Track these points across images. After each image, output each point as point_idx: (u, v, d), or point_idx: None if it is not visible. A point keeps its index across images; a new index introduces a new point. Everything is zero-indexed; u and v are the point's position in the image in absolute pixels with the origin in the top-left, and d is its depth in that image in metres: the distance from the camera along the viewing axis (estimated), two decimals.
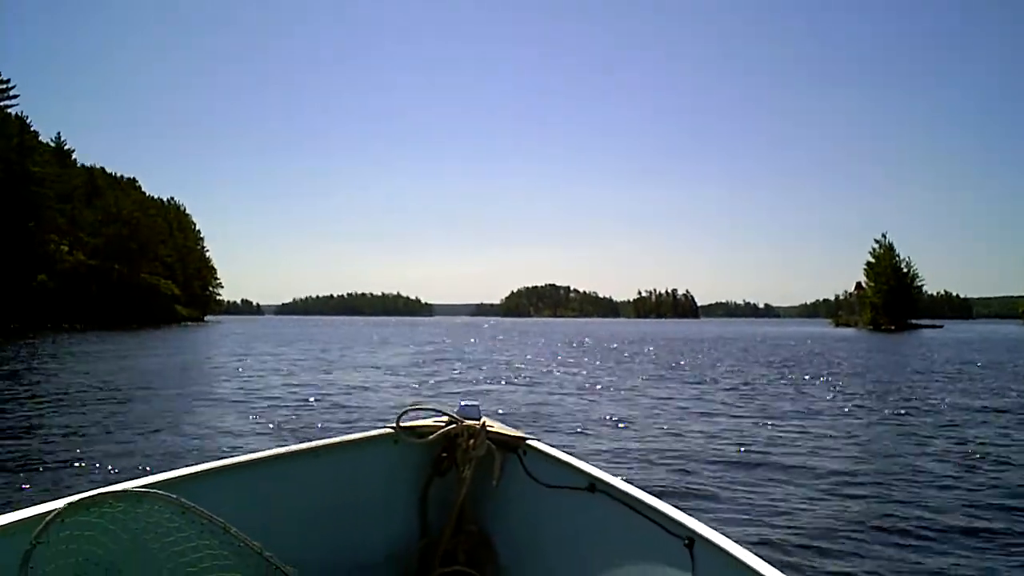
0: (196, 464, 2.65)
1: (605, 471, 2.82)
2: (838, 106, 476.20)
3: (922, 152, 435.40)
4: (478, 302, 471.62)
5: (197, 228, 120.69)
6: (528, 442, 3.11)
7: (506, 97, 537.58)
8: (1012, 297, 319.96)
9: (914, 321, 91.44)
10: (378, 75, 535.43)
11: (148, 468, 7.55)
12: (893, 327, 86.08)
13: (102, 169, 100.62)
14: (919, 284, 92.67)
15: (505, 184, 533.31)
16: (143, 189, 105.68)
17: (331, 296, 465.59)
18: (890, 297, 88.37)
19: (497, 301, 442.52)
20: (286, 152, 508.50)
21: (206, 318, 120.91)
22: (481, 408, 3.22)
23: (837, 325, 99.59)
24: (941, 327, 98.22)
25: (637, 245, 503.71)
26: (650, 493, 2.58)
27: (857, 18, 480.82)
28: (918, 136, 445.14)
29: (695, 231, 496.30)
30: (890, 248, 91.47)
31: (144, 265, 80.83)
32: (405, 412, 3.14)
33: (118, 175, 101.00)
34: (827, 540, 5.89)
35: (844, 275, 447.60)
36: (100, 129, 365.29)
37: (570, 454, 2.98)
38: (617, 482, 2.70)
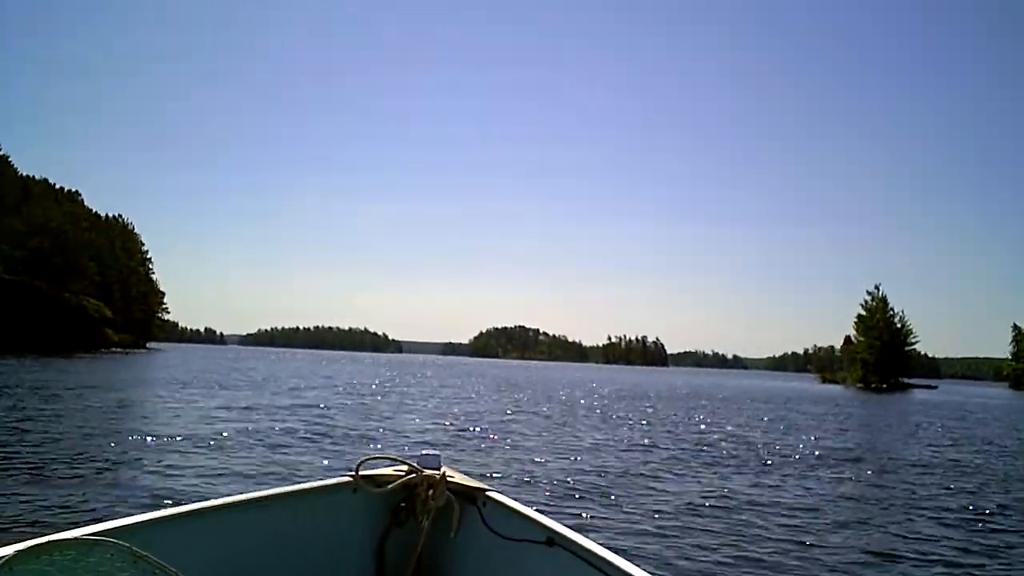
0: (149, 511, 2.60)
1: (565, 526, 2.81)
2: (812, 158, 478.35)
3: (892, 209, 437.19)
4: (447, 341, 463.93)
5: (145, 248, 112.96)
6: (488, 493, 3.13)
7: (480, 130, 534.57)
8: (976, 359, 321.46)
9: (906, 380, 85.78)
10: (344, 100, 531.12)
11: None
12: (885, 386, 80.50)
13: (44, 180, 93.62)
14: (913, 341, 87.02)
15: (478, 223, 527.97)
16: (84, 203, 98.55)
17: (297, 328, 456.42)
18: (882, 354, 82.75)
19: (466, 340, 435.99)
20: (256, 182, 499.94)
21: (149, 345, 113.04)
22: (442, 458, 3.23)
23: (823, 381, 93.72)
24: (936, 388, 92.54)
25: (608, 290, 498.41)
26: (610, 549, 2.55)
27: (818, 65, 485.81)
28: (887, 192, 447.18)
29: (665, 277, 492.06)
30: (883, 301, 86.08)
31: (72, 283, 72.88)
32: (365, 460, 3.13)
33: (59, 187, 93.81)
34: None
35: (813, 329, 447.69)
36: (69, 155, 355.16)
37: (530, 507, 3.00)
38: (576, 537, 2.70)
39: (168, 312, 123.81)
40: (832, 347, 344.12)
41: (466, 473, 3.35)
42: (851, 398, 53.06)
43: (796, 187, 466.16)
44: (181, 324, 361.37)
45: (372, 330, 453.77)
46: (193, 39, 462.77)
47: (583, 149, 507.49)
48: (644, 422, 22.99)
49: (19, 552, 1.88)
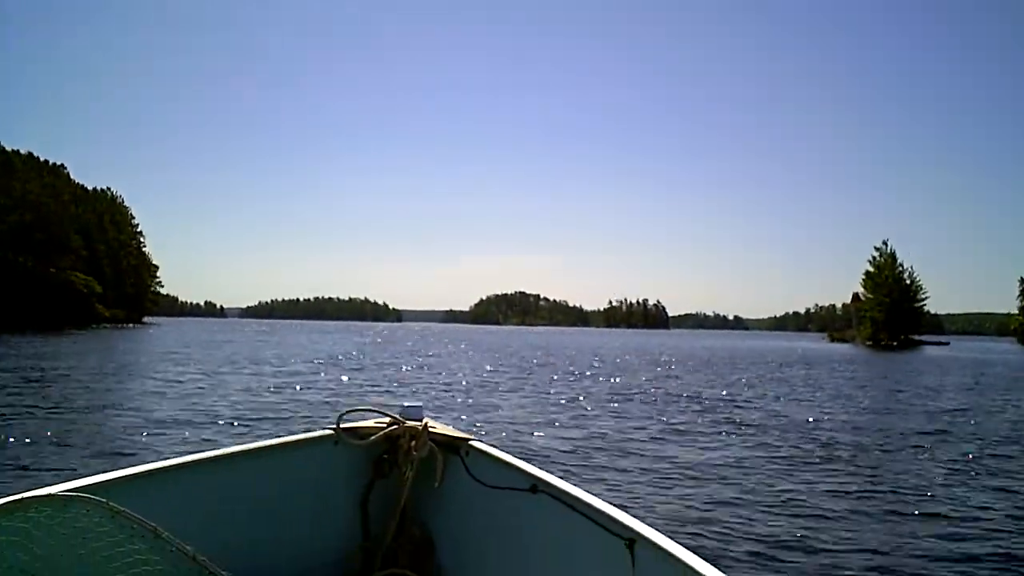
0: (127, 467, 2.55)
1: (547, 472, 2.80)
2: (811, 119, 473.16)
3: (892, 163, 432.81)
4: (447, 308, 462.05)
5: (135, 222, 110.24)
6: (471, 443, 3.11)
7: (476, 101, 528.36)
8: (979, 314, 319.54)
9: (916, 337, 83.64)
10: (348, 79, 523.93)
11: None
12: (895, 344, 78.43)
13: (29, 154, 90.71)
14: (923, 298, 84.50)
15: (475, 188, 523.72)
16: (70, 176, 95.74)
17: (297, 300, 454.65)
18: (892, 311, 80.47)
19: (467, 308, 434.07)
20: (254, 153, 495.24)
21: (145, 319, 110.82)
22: (424, 409, 3.20)
23: (832, 340, 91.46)
24: (947, 344, 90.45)
25: (608, 253, 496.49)
26: (592, 494, 2.56)
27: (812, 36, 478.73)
28: (887, 147, 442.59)
29: (665, 240, 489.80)
30: (892, 257, 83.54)
31: (57, 259, 70.43)
32: (346, 413, 3.11)
33: (44, 160, 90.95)
34: None
35: (812, 289, 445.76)
36: (70, 130, 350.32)
37: (512, 455, 2.99)
38: (559, 482, 2.71)
39: (162, 285, 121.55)
40: (833, 306, 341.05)
41: (449, 424, 3.38)
42: (868, 358, 50.94)
43: (794, 148, 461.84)
44: (181, 298, 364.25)
45: (373, 300, 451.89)
46: (196, 38, 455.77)
47: (583, 115, 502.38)
48: (692, 402, 19.03)
49: None
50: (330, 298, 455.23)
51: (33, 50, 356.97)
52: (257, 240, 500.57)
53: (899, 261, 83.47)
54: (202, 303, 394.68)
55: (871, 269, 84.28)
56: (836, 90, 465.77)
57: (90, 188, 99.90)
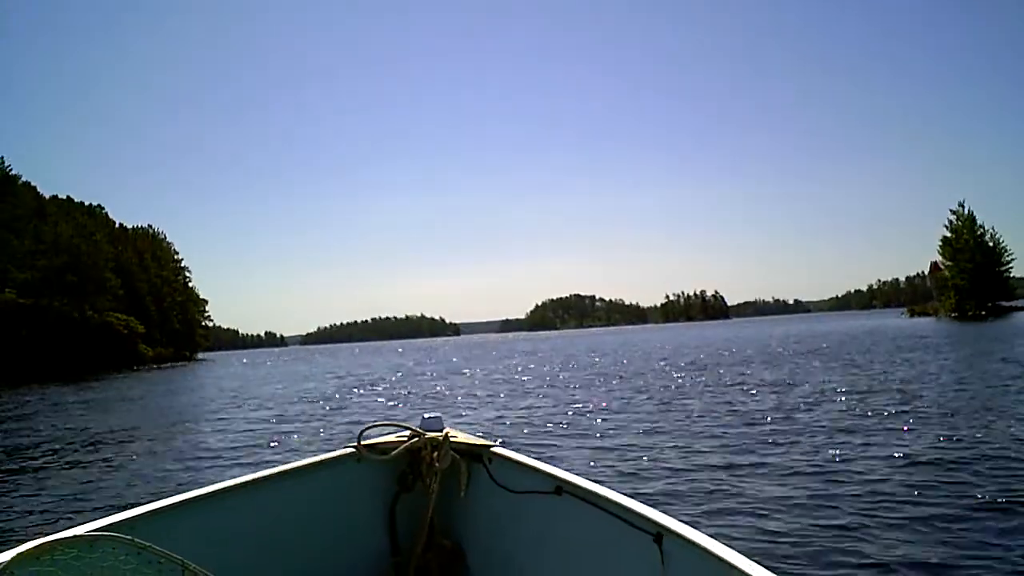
0: (150, 502, 2.54)
1: (571, 472, 2.80)
2: (857, 98, 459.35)
3: (942, 141, 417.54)
4: (504, 318, 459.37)
5: (178, 256, 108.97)
6: (493, 449, 3.13)
7: (516, 110, 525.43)
8: None
9: (1005, 304, 76.84)
10: (388, 94, 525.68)
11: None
12: (983, 313, 72.11)
13: (68, 198, 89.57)
14: (1008, 260, 77.35)
15: (523, 195, 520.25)
16: (108, 216, 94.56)
17: (355, 322, 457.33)
18: (976, 277, 73.96)
19: (523, 316, 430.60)
20: (299, 181, 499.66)
21: (199, 355, 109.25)
22: (444, 419, 3.21)
23: (912, 315, 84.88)
24: None
25: (661, 248, 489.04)
26: (615, 490, 2.58)
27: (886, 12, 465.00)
28: (941, 126, 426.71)
29: (718, 229, 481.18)
30: (971, 220, 76.83)
31: (92, 300, 68.35)
32: (366, 429, 3.14)
33: (79, 201, 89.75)
34: None
35: (871, 264, 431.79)
36: (106, 168, 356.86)
37: (535, 458, 2.98)
38: (583, 482, 2.72)
39: (211, 320, 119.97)
40: (896, 280, 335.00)
41: (470, 432, 3.34)
42: (973, 331, 45.29)
43: (842, 123, 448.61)
44: (243, 331, 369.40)
45: (429, 316, 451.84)
46: (234, 68, 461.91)
47: (627, 116, 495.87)
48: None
49: (19, 555, 1.85)
50: (387, 317, 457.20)
51: (73, 99, 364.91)
52: (313, 267, 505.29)
53: (979, 223, 76.84)
54: (263, 334, 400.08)
55: (948, 235, 77.83)
56: (891, 62, 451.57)
57: (129, 227, 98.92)
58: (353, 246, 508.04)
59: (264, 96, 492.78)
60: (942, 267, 79.79)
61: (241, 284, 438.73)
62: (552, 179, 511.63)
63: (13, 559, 1.86)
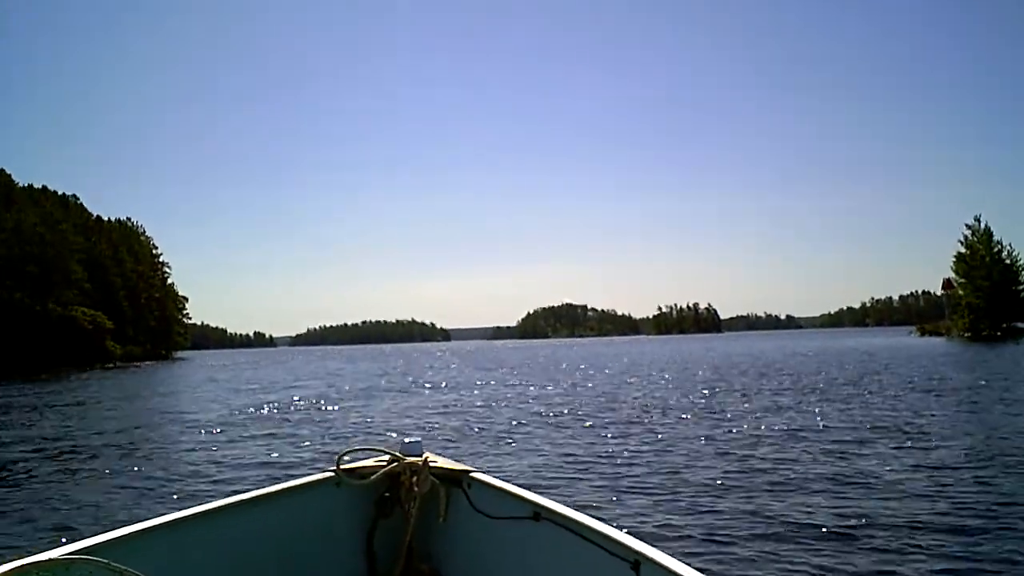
0: (126, 525, 2.50)
1: (550, 499, 2.80)
2: (852, 114, 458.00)
3: (940, 156, 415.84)
4: (495, 325, 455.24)
5: (157, 251, 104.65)
6: (472, 475, 3.10)
7: (509, 111, 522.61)
8: None
9: (1022, 325, 73.01)
10: (379, 93, 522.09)
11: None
12: (999, 333, 68.43)
13: (43, 187, 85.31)
14: None
15: (515, 201, 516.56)
16: (84, 207, 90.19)
17: (346, 325, 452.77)
18: (993, 296, 70.12)
19: (514, 323, 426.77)
20: (293, 180, 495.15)
21: (177, 354, 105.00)
22: (423, 444, 3.21)
23: (923, 334, 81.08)
24: None
25: (653, 259, 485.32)
26: (595, 518, 2.57)
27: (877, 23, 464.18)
28: (938, 141, 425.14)
29: (711, 241, 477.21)
30: (988, 234, 72.93)
31: (57, 293, 64.08)
32: (345, 453, 3.14)
33: (54, 191, 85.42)
34: None
35: (865, 282, 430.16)
36: (94, 167, 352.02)
37: (514, 484, 2.99)
38: (562, 509, 2.71)
39: (189, 318, 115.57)
40: (890, 298, 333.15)
41: (449, 456, 3.33)
42: (992, 352, 41.59)
43: (836, 141, 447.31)
44: (231, 330, 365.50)
45: (420, 320, 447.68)
46: (235, 65, 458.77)
47: (620, 123, 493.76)
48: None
49: None
50: (378, 321, 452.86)
51: (67, 94, 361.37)
52: (304, 268, 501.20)
53: (996, 239, 72.94)
54: (252, 334, 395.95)
55: (963, 251, 74.03)
56: (887, 79, 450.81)
57: (106, 219, 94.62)
58: (345, 248, 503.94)
59: (262, 96, 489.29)
60: (955, 284, 76.04)
61: (232, 283, 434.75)
62: (546, 185, 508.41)
63: None
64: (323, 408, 20.04)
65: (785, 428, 12.80)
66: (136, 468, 10.88)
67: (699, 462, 9.84)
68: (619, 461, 10.09)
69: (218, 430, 15.42)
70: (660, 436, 12.35)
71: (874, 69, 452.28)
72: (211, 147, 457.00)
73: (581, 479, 8.98)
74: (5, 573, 1.81)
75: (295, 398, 23.81)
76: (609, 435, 12.75)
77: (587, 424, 14.44)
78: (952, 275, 76.78)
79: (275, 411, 19.62)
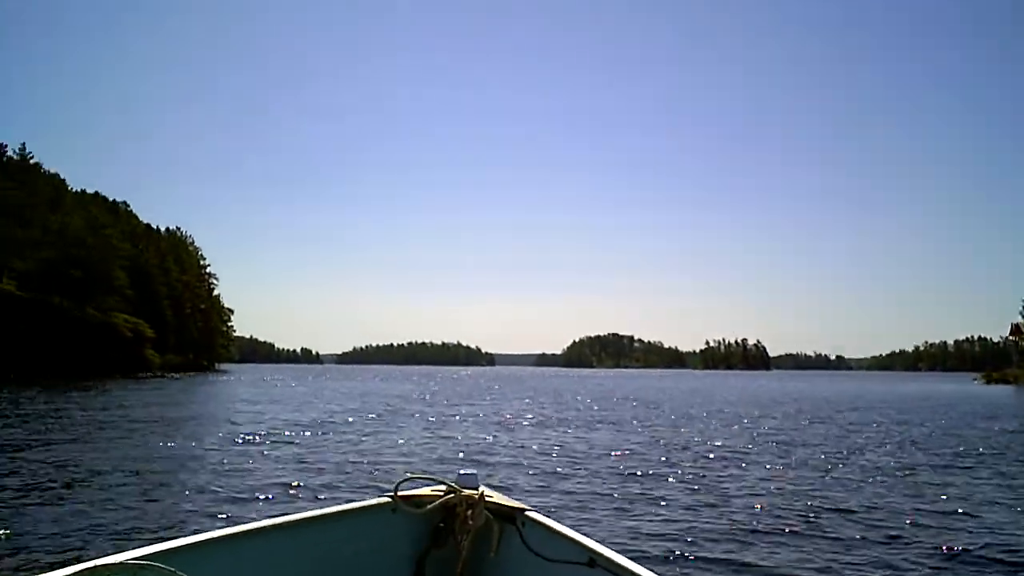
0: (191, 535, 2.60)
1: (605, 545, 2.73)
2: (912, 148, 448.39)
3: (1001, 197, 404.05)
4: (540, 351, 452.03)
5: (205, 263, 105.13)
6: (527, 513, 3.08)
7: (561, 137, 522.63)
8: None
9: None
10: (433, 115, 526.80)
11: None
12: None
13: (96, 193, 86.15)
14: None
15: (573, 235, 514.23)
16: (133, 213, 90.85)
17: (391, 345, 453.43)
18: None
19: (559, 351, 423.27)
20: (344, 199, 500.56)
21: (221, 366, 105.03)
22: (479, 477, 3.21)
23: (988, 382, 77.13)
24: None
25: (701, 292, 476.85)
26: (650, 569, 2.51)
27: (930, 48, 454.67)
28: (991, 177, 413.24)
29: (760, 280, 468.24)
30: None
31: (98, 298, 63.86)
32: (403, 480, 3.15)
33: (104, 197, 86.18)
34: None
35: (918, 326, 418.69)
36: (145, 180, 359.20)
37: (570, 527, 2.92)
38: (618, 557, 2.65)
39: (234, 330, 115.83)
40: (944, 343, 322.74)
41: (505, 492, 3.32)
42: None
43: (898, 181, 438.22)
44: (279, 345, 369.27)
45: (466, 344, 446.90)
46: (287, 82, 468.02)
47: (674, 156, 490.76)
48: None
49: None
50: (423, 343, 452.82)
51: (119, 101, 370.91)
52: (354, 286, 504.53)
53: None
54: (299, 350, 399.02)
55: None
56: (947, 118, 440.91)
57: (155, 227, 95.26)
58: (393, 267, 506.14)
59: (302, 109, 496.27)
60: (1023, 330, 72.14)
61: (282, 298, 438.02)
62: (599, 219, 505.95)
63: None
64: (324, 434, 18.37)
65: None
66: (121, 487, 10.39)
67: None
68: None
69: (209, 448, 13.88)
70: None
71: (937, 99, 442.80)
72: (251, 161, 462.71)
73: None
74: (78, 573, 1.87)
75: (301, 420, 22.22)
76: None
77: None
78: (1021, 320, 73.01)
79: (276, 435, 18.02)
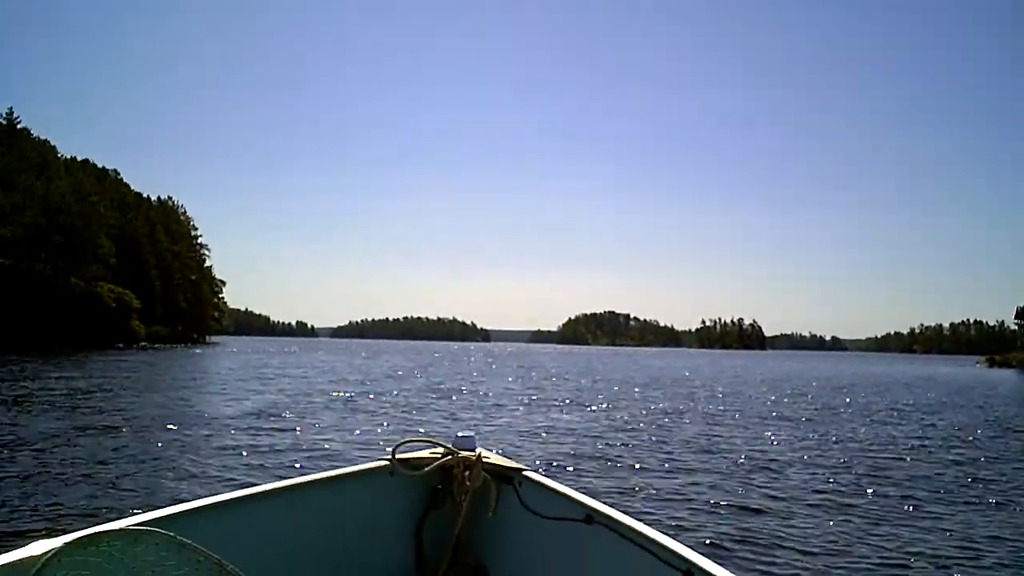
0: (190, 500, 2.62)
1: (602, 503, 2.78)
2: (909, 133, 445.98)
3: (995, 182, 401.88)
4: (536, 328, 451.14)
5: (197, 233, 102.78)
6: (524, 473, 3.11)
7: (560, 115, 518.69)
8: None
9: None
10: (434, 92, 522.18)
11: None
12: None
13: (85, 160, 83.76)
14: None
15: (567, 210, 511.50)
16: (123, 181, 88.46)
17: (387, 320, 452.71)
18: None
19: (555, 328, 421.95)
20: (343, 172, 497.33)
21: (212, 338, 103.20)
22: (476, 439, 3.21)
23: (992, 365, 75.77)
24: None
25: (698, 272, 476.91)
26: (648, 524, 2.55)
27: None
28: (984, 162, 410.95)
29: (756, 257, 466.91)
30: None
31: (81, 267, 61.93)
32: (401, 444, 3.15)
33: (92, 163, 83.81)
34: None
35: (914, 308, 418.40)
36: (149, 152, 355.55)
37: (567, 485, 2.97)
38: (614, 513, 2.71)
39: (225, 302, 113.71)
40: (940, 326, 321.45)
41: (502, 454, 3.32)
42: None
43: (894, 164, 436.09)
44: (274, 317, 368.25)
45: (461, 320, 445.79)
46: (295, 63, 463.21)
47: (672, 138, 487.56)
48: None
49: (68, 544, 1.90)
50: (419, 318, 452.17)
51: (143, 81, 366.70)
52: (349, 260, 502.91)
53: None
54: (294, 323, 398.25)
55: None
56: (947, 101, 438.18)
57: (145, 196, 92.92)
58: (390, 243, 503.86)
59: (301, 86, 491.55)
60: None
61: (278, 271, 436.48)
62: (596, 195, 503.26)
63: (63, 547, 1.88)
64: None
65: None
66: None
67: None
68: None
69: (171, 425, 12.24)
70: None
71: (935, 89, 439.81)
72: (271, 140, 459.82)
73: None
74: (80, 539, 1.88)
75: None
76: None
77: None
78: None
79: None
